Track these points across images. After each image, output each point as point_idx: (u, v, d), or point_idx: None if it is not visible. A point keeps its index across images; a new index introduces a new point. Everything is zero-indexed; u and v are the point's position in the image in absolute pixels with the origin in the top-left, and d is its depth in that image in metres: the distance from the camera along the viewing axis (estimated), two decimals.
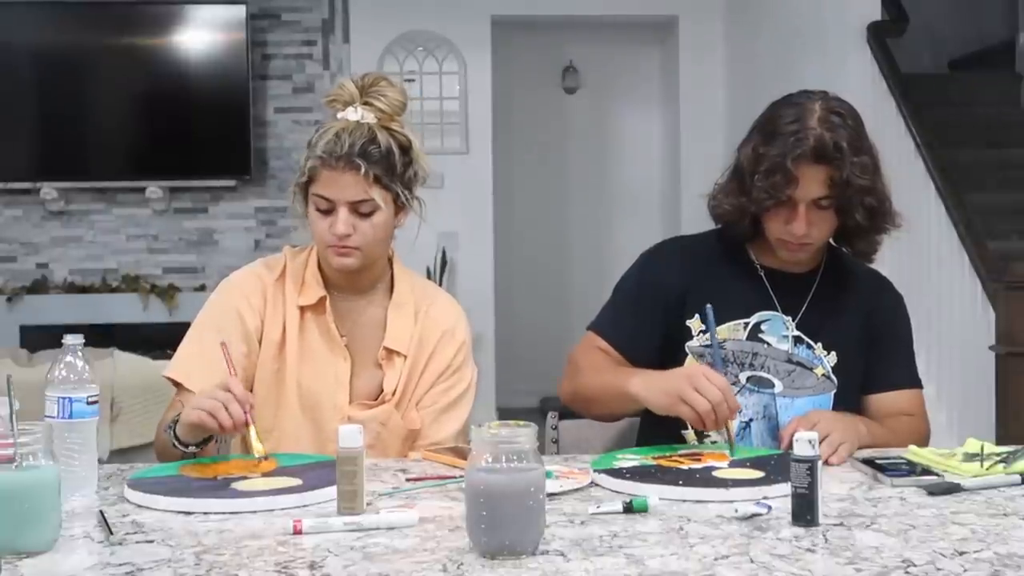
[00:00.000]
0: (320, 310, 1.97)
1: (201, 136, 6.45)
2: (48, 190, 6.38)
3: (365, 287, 2.00)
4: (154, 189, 6.44)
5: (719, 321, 2.00)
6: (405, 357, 1.98)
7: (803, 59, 5.23)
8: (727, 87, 6.49)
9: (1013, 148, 5.41)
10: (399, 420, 1.96)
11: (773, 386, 2.01)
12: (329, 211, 1.89)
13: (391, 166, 1.89)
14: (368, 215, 1.90)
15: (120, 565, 1.28)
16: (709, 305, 1.93)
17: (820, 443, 1.78)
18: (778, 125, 1.93)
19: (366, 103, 1.91)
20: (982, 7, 6.88)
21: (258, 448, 1.70)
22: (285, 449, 1.89)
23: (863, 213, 1.93)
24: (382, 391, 1.97)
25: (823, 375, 2.03)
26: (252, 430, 1.70)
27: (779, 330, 2.03)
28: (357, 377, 1.97)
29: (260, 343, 1.95)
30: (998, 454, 1.73)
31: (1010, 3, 6.44)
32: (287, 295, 1.97)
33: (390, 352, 1.98)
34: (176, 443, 1.76)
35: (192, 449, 1.77)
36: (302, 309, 1.97)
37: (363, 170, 1.86)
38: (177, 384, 1.93)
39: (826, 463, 1.79)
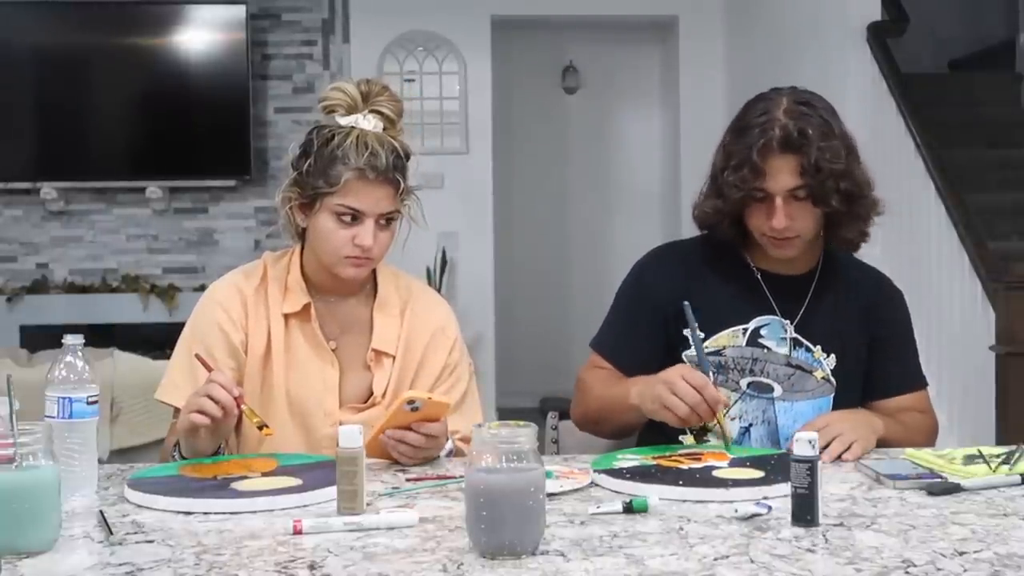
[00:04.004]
0: (306, 317, 1.95)
1: (201, 136, 6.45)
2: (48, 190, 6.38)
3: (353, 290, 2.00)
4: (154, 189, 6.44)
5: (719, 328, 2.00)
6: (393, 358, 1.97)
7: (803, 59, 5.23)
8: (727, 87, 6.49)
9: (1013, 148, 5.41)
10: None
11: (772, 390, 2.00)
12: (352, 223, 1.88)
13: (406, 177, 1.91)
14: (387, 226, 1.91)
15: (120, 565, 1.28)
16: (686, 303, 1.93)
17: (831, 442, 1.79)
18: (747, 121, 1.94)
19: (375, 111, 1.90)
20: (982, 7, 6.89)
21: (256, 421, 1.71)
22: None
23: (839, 199, 1.91)
24: (372, 393, 1.96)
25: (822, 378, 2.02)
26: (245, 408, 1.71)
27: (778, 333, 2.02)
28: (345, 380, 1.96)
29: (246, 355, 1.94)
30: (997, 455, 1.73)
31: (1010, 3, 6.45)
32: (270, 302, 1.96)
33: (378, 354, 1.97)
34: None
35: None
36: (287, 316, 1.95)
37: (400, 186, 1.88)
38: (170, 405, 1.93)
39: (840, 459, 1.80)
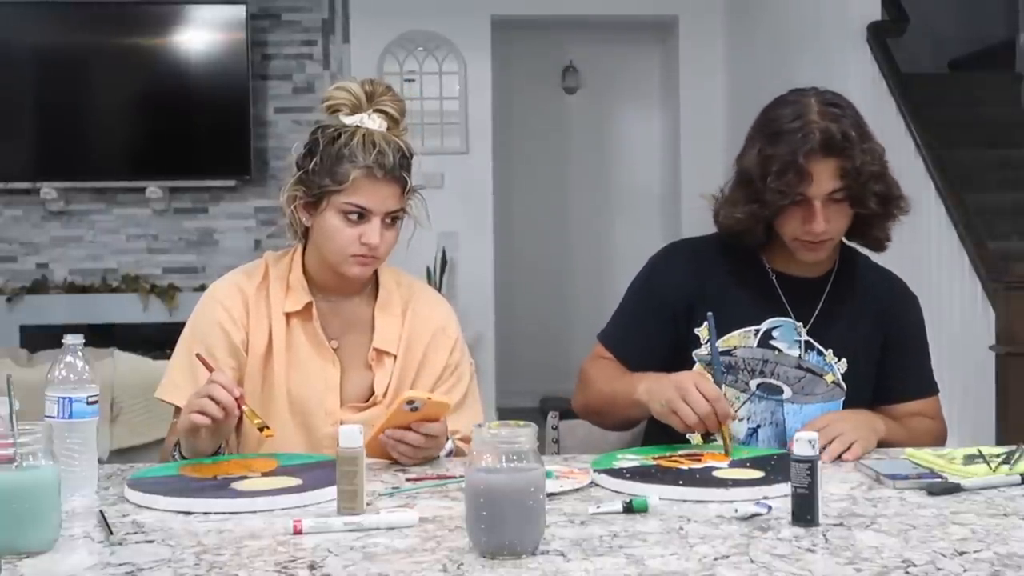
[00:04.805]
0: (307, 316, 1.95)
1: (201, 136, 6.45)
2: (48, 190, 6.38)
3: (355, 289, 2.00)
4: (154, 189, 6.44)
5: (730, 328, 1.99)
6: (395, 357, 1.98)
7: (803, 59, 5.23)
8: (727, 87, 6.50)
9: (1013, 148, 5.42)
10: None
11: (782, 392, 2.00)
12: (359, 221, 1.88)
13: (411, 176, 1.92)
14: (393, 224, 1.92)
15: (120, 565, 1.28)
16: (710, 313, 1.92)
17: (831, 442, 1.79)
18: (780, 125, 1.90)
19: (379, 111, 1.91)
20: (982, 7, 6.89)
21: (258, 423, 1.72)
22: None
23: (876, 200, 1.90)
24: (372, 392, 1.96)
25: (833, 382, 2.01)
26: (246, 409, 1.71)
27: (790, 336, 2.01)
28: (347, 380, 1.96)
29: (247, 354, 1.94)
30: (997, 455, 1.73)
31: (1010, 3, 6.45)
32: (272, 301, 1.96)
33: (380, 353, 1.97)
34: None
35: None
36: (288, 315, 1.95)
37: (406, 185, 1.89)
38: (171, 404, 1.93)
39: (840, 459, 1.80)
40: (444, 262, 6.30)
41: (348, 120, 1.90)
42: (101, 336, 5.28)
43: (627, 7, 6.61)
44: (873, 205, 1.91)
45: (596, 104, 7.39)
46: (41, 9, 6.41)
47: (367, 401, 1.96)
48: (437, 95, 6.50)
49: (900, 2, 5.13)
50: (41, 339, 5.42)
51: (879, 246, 2.04)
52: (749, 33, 6.19)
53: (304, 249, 1.99)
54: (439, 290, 6.08)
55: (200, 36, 6.44)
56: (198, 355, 1.83)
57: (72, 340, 1.65)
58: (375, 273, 2.01)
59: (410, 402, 1.73)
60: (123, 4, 6.45)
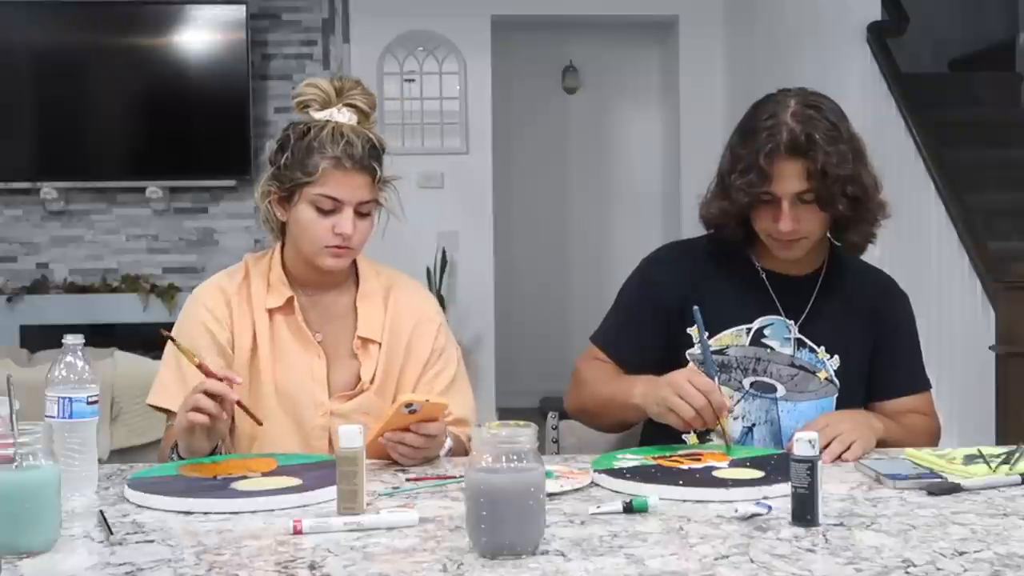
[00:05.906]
0: (289, 311, 1.98)
1: (201, 136, 6.45)
2: (48, 190, 6.38)
3: (337, 281, 2.02)
4: (154, 189, 6.44)
5: (722, 327, 2.00)
6: (380, 344, 2.00)
7: (803, 59, 5.23)
8: (727, 87, 6.49)
9: (1013, 148, 5.41)
10: (382, 406, 1.96)
11: (775, 390, 2.00)
12: (331, 212, 1.90)
13: (382, 167, 1.95)
14: (366, 215, 1.94)
15: (120, 565, 1.28)
16: (696, 307, 1.93)
17: (831, 442, 1.79)
18: (754, 124, 1.93)
19: (349, 105, 1.94)
20: (982, 7, 6.88)
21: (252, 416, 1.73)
22: (270, 452, 1.89)
23: (846, 203, 1.91)
24: (359, 380, 1.98)
25: (826, 379, 2.02)
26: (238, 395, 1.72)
27: (781, 334, 2.02)
28: (333, 370, 1.99)
29: (233, 353, 1.96)
30: (997, 455, 1.73)
31: (1010, 3, 6.44)
32: (254, 299, 1.98)
33: (364, 341, 1.99)
34: None
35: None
36: (271, 312, 1.98)
37: (376, 174, 1.91)
38: (165, 411, 1.94)
39: (840, 459, 1.80)
40: (444, 262, 6.30)
41: (318, 115, 1.95)
42: (101, 336, 5.28)
43: (627, 7, 6.61)
44: (843, 208, 1.91)
45: (596, 104, 7.39)
46: (41, 9, 6.40)
47: (354, 389, 1.98)
48: (437, 95, 6.50)
49: (900, 2, 5.12)
50: (41, 339, 5.42)
51: (855, 250, 2.05)
52: (749, 33, 6.19)
53: (283, 247, 2.02)
54: (439, 290, 6.10)
55: (200, 36, 6.44)
56: (200, 365, 1.83)
57: (72, 340, 1.65)
58: (354, 264, 2.04)
59: (408, 405, 1.74)
60: (123, 4, 6.45)
